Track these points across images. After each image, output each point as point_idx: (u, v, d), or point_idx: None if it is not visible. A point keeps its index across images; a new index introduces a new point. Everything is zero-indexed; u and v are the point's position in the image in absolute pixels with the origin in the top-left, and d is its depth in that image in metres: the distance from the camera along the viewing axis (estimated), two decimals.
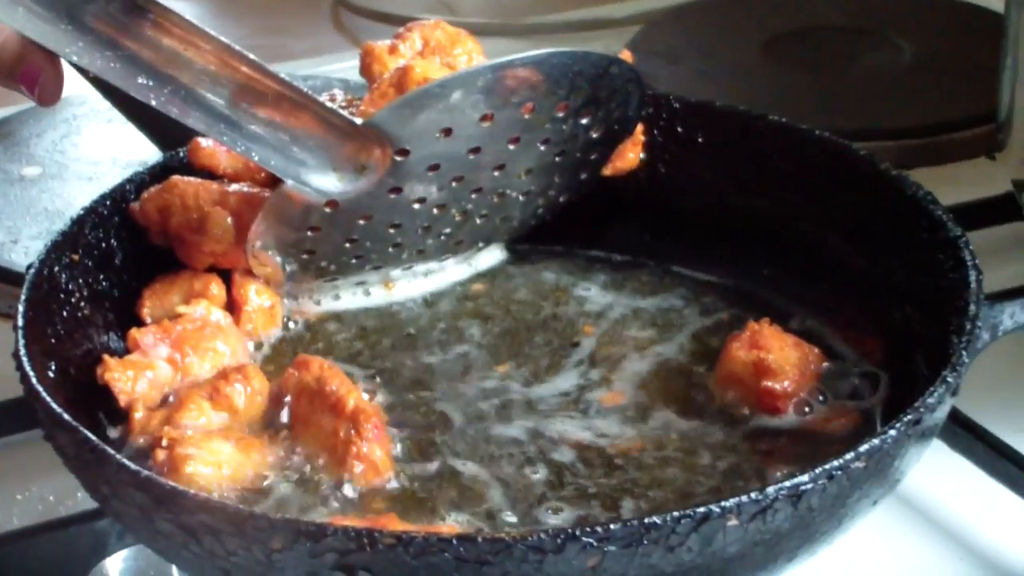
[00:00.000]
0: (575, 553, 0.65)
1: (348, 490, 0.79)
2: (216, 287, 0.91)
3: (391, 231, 0.91)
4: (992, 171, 1.23)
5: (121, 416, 0.83)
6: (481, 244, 0.97)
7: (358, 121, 0.84)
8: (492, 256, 1.00)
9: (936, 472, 0.87)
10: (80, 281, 0.89)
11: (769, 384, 0.84)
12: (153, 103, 0.82)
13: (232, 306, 0.92)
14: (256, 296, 0.92)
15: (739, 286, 0.97)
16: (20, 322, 0.81)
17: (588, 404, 0.87)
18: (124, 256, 0.92)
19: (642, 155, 1.00)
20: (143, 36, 0.81)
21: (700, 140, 1.01)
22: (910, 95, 1.38)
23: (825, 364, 0.87)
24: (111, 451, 0.72)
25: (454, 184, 0.89)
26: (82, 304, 0.88)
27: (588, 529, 0.65)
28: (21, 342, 0.80)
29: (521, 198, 0.94)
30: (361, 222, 0.89)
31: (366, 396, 0.84)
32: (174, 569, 0.83)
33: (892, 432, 0.71)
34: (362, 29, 1.68)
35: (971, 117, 1.29)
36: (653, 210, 1.01)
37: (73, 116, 1.30)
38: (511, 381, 0.89)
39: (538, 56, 0.85)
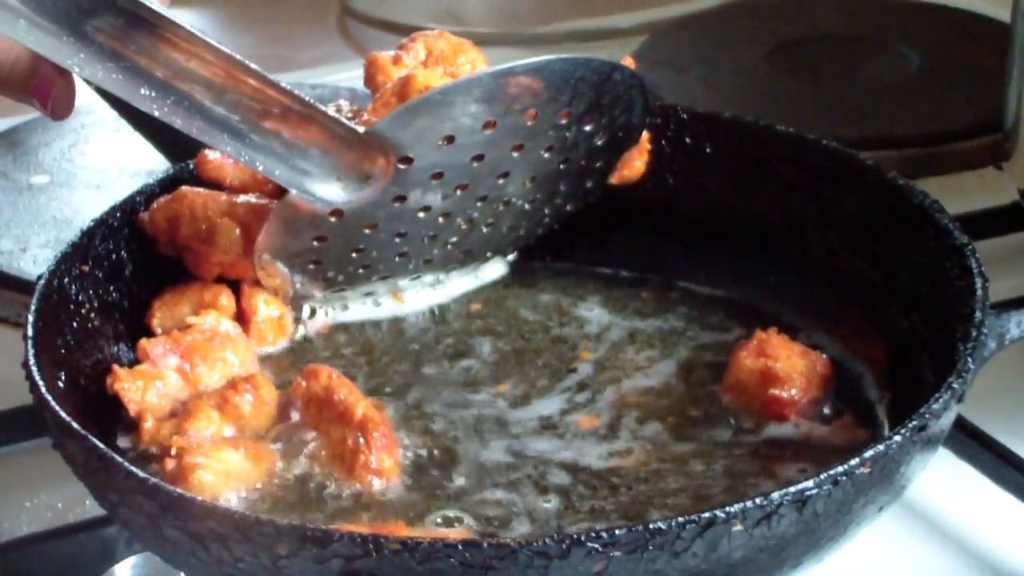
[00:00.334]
0: (580, 558, 0.66)
1: (355, 498, 0.79)
2: (226, 298, 0.92)
3: (397, 240, 0.91)
4: (998, 181, 1.23)
5: (130, 426, 0.84)
6: (489, 254, 0.97)
7: (361, 130, 0.84)
8: (497, 270, 1.00)
9: (943, 481, 0.87)
10: (90, 292, 0.89)
11: (776, 392, 0.85)
12: (157, 114, 0.82)
13: (241, 317, 0.92)
14: (265, 307, 0.93)
15: (744, 299, 0.97)
16: (30, 332, 0.81)
17: (566, 427, 0.87)
18: (134, 267, 0.93)
19: (649, 165, 1.00)
20: (146, 47, 0.81)
21: (708, 150, 1.01)
22: (916, 104, 1.38)
23: (832, 373, 0.87)
24: (119, 459, 0.72)
25: (458, 192, 0.89)
26: (92, 315, 0.89)
27: (593, 534, 0.66)
28: (31, 351, 0.80)
29: (527, 206, 0.94)
30: (367, 231, 0.89)
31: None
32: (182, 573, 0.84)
33: (897, 438, 0.72)
34: (368, 38, 1.68)
35: (977, 126, 1.29)
36: (660, 221, 1.01)
37: (81, 125, 1.31)
38: (502, 400, 0.89)
39: (539, 63, 0.86)
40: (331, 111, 0.85)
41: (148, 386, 0.84)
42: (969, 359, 0.77)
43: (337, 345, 0.94)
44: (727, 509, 0.67)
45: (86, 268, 0.90)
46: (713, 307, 0.97)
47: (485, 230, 0.94)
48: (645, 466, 0.83)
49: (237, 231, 0.91)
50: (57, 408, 0.76)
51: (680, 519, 0.66)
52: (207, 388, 0.86)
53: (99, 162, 1.31)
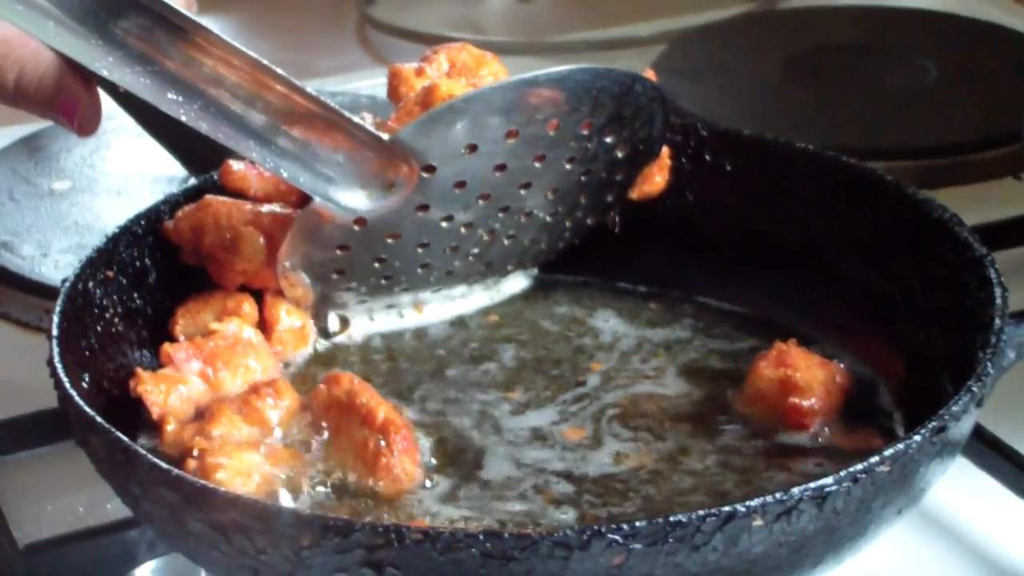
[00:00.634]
0: (601, 550, 0.66)
1: (376, 500, 0.80)
2: (248, 306, 0.92)
3: (419, 251, 0.91)
4: (1017, 191, 1.24)
5: (152, 429, 0.84)
6: (510, 267, 0.98)
7: (385, 137, 0.85)
8: (518, 283, 1.01)
9: (962, 490, 0.87)
10: (114, 298, 0.90)
11: (796, 400, 0.85)
12: (183, 119, 0.83)
13: (264, 326, 0.93)
14: (287, 316, 0.93)
15: (761, 314, 0.97)
16: (55, 331, 0.82)
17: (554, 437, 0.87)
18: (157, 275, 0.94)
19: (669, 182, 1.00)
20: (174, 51, 0.82)
21: (728, 167, 1.02)
22: (933, 114, 1.38)
23: (851, 384, 0.87)
24: (142, 451, 0.73)
25: (481, 202, 0.90)
26: (116, 320, 0.90)
27: (614, 526, 0.66)
28: (56, 350, 0.81)
29: (548, 219, 0.95)
30: (389, 241, 0.90)
31: None
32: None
33: (917, 438, 0.72)
34: (387, 46, 1.69)
35: (995, 137, 1.29)
36: (679, 238, 1.02)
37: (103, 131, 1.30)
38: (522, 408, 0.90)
39: (561, 72, 0.86)
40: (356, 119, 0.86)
41: (171, 390, 0.85)
42: (988, 364, 0.77)
43: (359, 354, 0.94)
44: (747, 503, 0.67)
45: (111, 274, 0.90)
46: (729, 320, 0.97)
47: (506, 242, 0.95)
48: (643, 468, 0.83)
49: (261, 240, 0.91)
50: (81, 403, 0.76)
51: (700, 512, 0.67)
52: (229, 393, 0.87)
53: (121, 168, 1.32)
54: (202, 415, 0.84)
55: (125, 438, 0.73)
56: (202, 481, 0.72)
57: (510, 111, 0.86)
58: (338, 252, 0.90)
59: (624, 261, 1.02)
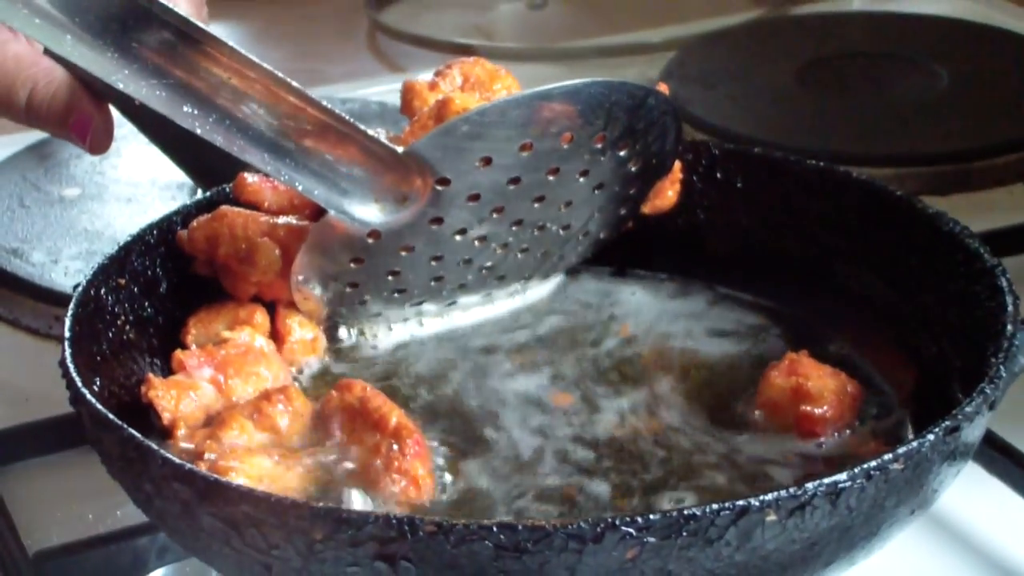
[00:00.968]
0: (614, 543, 0.66)
1: (388, 506, 0.79)
2: (260, 316, 0.93)
3: (432, 264, 0.92)
4: None
5: (162, 436, 0.84)
6: (522, 281, 0.98)
7: (399, 150, 0.85)
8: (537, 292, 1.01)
9: (972, 495, 0.87)
10: (126, 305, 0.90)
11: (808, 408, 0.85)
12: (198, 131, 0.83)
13: (275, 337, 0.93)
14: (299, 328, 0.94)
15: (772, 330, 0.97)
16: (67, 333, 0.82)
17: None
18: (169, 285, 0.94)
19: (680, 199, 1.01)
20: (189, 64, 0.82)
21: (739, 185, 1.02)
22: (945, 121, 1.39)
23: (862, 394, 0.87)
24: (155, 447, 0.73)
25: (494, 215, 0.90)
26: (127, 328, 0.90)
27: (628, 519, 0.66)
28: (68, 352, 0.81)
29: (561, 233, 0.95)
30: (403, 254, 0.90)
31: None
32: None
33: (930, 437, 0.72)
34: (398, 53, 1.71)
35: (1006, 143, 1.30)
36: (690, 256, 1.02)
37: (113, 138, 1.32)
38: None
39: (575, 85, 0.87)
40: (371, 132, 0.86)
41: (182, 396, 0.85)
42: (1001, 367, 0.78)
43: (371, 364, 0.94)
44: (761, 498, 0.67)
45: (122, 281, 0.91)
46: (743, 334, 0.97)
47: (519, 256, 0.95)
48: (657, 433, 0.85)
49: (277, 251, 0.91)
50: (93, 401, 0.77)
51: (714, 506, 0.67)
52: (240, 400, 0.86)
53: (131, 175, 1.33)
54: (212, 422, 0.84)
55: (137, 434, 0.74)
56: (215, 475, 0.72)
57: (524, 124, 0.86)
58: (351, 265, 0.90)
59: (635, 281, 1.02)
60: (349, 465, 0.81)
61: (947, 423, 0.73)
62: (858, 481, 0.69)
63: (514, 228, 0.92)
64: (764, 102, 1.45)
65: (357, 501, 0.78)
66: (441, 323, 0.97)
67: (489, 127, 0.86)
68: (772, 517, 0.68)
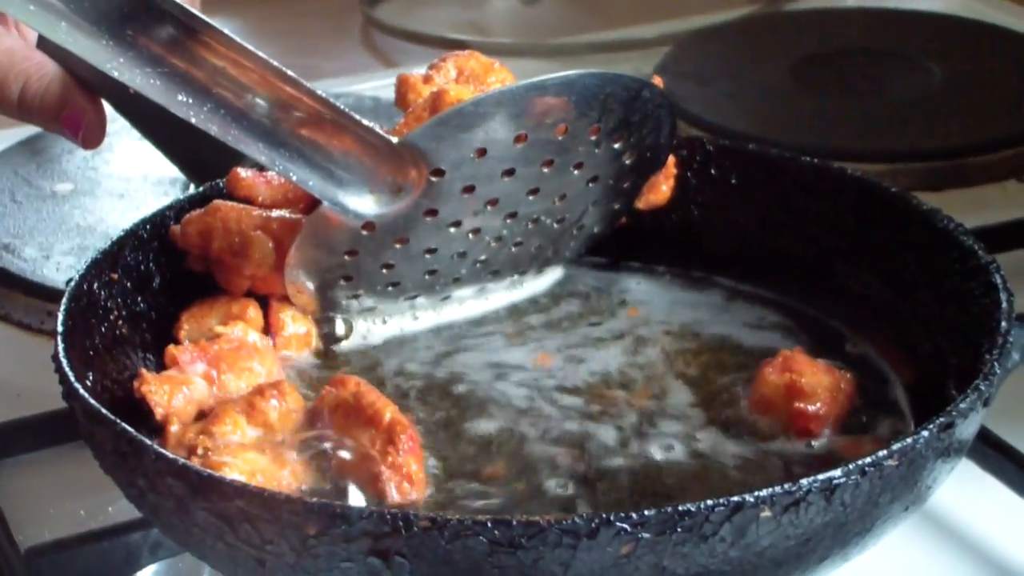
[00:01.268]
0: (609, 539, 0.66)
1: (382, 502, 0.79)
2: (253, 311, 0.92)
3: (427, 257, 0.92)
4: (1020, 193, 1.24)
5: (155, 432, 0.84)
6: (516, 275, 0.98)
7: (394, 140, 0.85)
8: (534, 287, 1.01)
9: (966, 492, 0.87)
10: (118, 300, 0.90)
11: (801, 405, 0.85)
12: (193, 121, 0.83)
13: (269, 331, 0.93)
14: (292, 322, 0.93)
15: (767, 328, 0.97)
16: (60, 328, 0.82)
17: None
18: (162, 280, 0.94)
19: (674, 196, 1.00)
20: (185, 53, 0.82)
21: (733, 181, 1.02)
22: (938, 117, 1.39)
23: (856, 391, 0.87)
24: (148, 441, 0.73)
25: (489, 208, 0.90)
26: (120, 323, 0.90)
27: (622, 514, 0.66)
28: (61, 346, 0.81)
29: (555, 226, 0.95)
30: (397, 246, 0.90)
31: None
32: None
33: (925, 433, 0.72)
34: (392, 49, 1.71)
35: (1000, 139, 1.30)
36: (684, 253, 1.02)
37: (105, 133, 1.32)
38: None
39: (570, 77, 0.87)
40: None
41: (175, 391, 0.84)
42: (996, 364, 0.78)
43: (365, 359, 0.94)
44: (756, 494, 0.67)
45: (115, 276, 0.90)
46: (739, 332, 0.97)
47: (514, 249, 0.95)
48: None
49: (271, 245, 0.91)
50: (86, 396, 0.76)
51: (709, 502, 0.67)
52: (233, 396, 0.86)
53: (123, 170, 1.32)
54: (205, 417, 0.84)
55: (131, 429, 0.73)
56: (208, 470, 0.72)
57: (519, 115, 0.86)
58: (346, 257, 0.90)
59: (629, 278, 1.02)
60: (343, 460, 0.81)
61: (942, 419, 0.73)
62: (852, 477, 0.69)
63: (508, 221, 0.92)
64: (758, 98, 1.45)
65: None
66: (435, 317, 0.97)
67: (484, 118, 0.85)
68: (767, 513, 0.68)
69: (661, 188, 0.99)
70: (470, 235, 0.92)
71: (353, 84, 1.48)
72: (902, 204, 0.95)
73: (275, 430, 0.83)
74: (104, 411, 0.75)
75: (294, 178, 0.85)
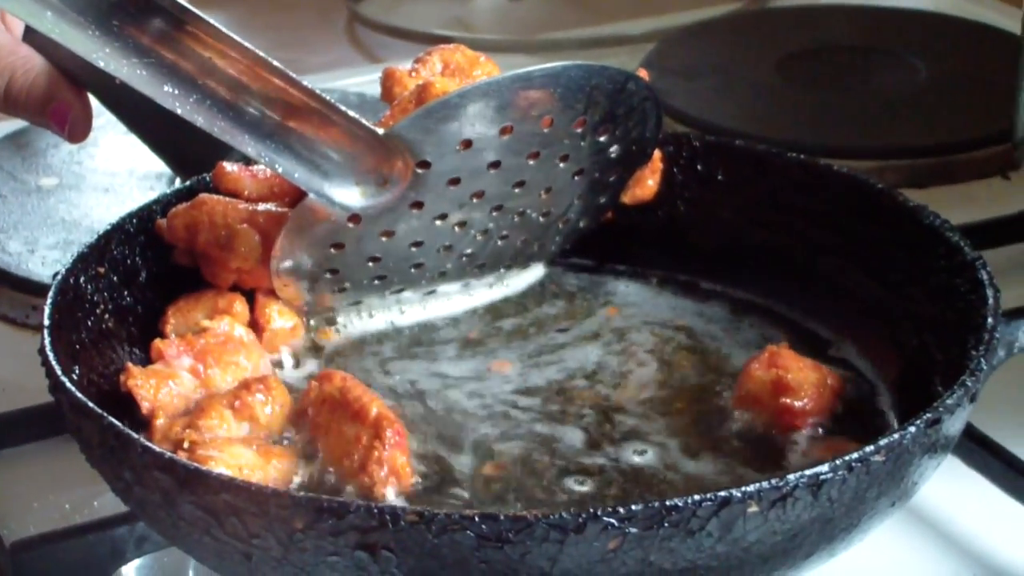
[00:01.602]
0: (596, 533, 0.66)
1: (368, 497, 0.79)
2: (240, 305, 0.92)
3: (413, 249, 0.92)
4: (1006, 190, 1.25)
5: (141, 427, 0.83)
6: (502, 269, 0.98)
7: (380, 131, 0.85)
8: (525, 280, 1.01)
9: (951, 488, 0.87)
10: (105, 294, 0.90)
11: (787, 401, 0.85)
12: (179, 111, 0.83)
13: (255, 326, 0.92)
14: (279, 317, 0.93)
15: (754, 324, 0.97)
16: (46, 321, 0.82)
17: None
18: (148, 274, 0.93)
19: (661, 192, 1.01)
20: (172, 43, 0.82)
21: (720, 178, 1.02)
22: (925, 114, 1.39)
23: (842, 387, 0.87)
24: (135, 435, 0.73)
25: (474, 200, 0.90)
26: (106, 316, 0.89)
27: (610, 509, 0.66)
28: (47, 339, 0.81)
29: (541, 219, 0.95)
30: (383, 239, 0.90)
31: None
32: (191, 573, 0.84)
33: (912, 429, 0.72)
34: (376, 44, 1.70)
35: (985, 137, 1.30)
36: (671, 249, 1.02)
37: (91, 127, 1.32)
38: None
39: (555, 68, 0.87)
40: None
41: (161, 384, 0.84)
42: (982, 360, 0.78)
43: (351, 353, 0.94)
44: (743, 489, 0.67)
45: (102, 270, 0.90)
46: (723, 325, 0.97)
47: (500, 243, 0.95)
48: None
49: (257, 238, 0.91)
50: (73, 389, 0.76)
51: (696, 497, 0.67)
52: (219, 390, 0.86)
53: (108, 165, 1.32)
54: (192, 411, 0.84)
55: (117, 422, 0.73)
56: (195, 464, 0.71)
57: (505, 107, 0.86)
58: (332, 250, 0.90)
59: (616, 275, 1.02)
60: (329, 454, 0.81)
61: (928, 415, 0.73)
62: (840, 473, 0.69)
63: (494, 214, 0.92)
64: (745, 95, 1.45)
65: None
66: (421, 313, 0.97)
67: (469, 109, 0.85)
68: (754, 508, 0.68)
69: (647, 182, 0.99)
70: (456, 228, 0.92)
71: (338, 80, 1.48)
72: (889, 201, 0.95)
73: (261, 424, 0.83)
74: (91, 404, 0.75)
75: (280, 170, 0.85)
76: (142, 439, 0.72)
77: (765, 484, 0.68)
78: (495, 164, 0.88)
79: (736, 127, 1.31)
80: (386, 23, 1.71)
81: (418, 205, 0.89)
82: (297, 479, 0.80)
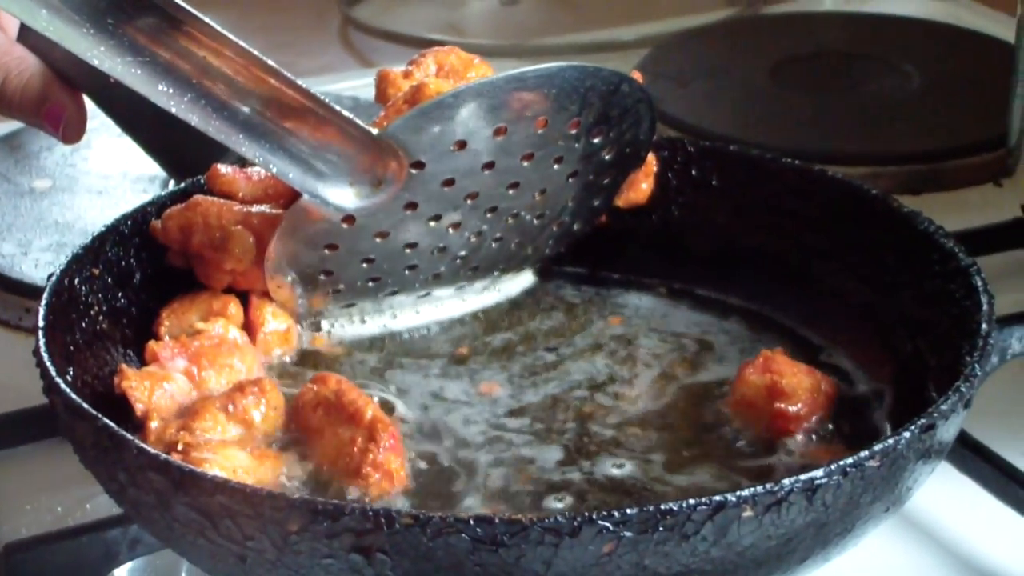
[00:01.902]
0: (591, 537, 0.66)
1: (362, 500, 0.79)
2: (234, 307, 0.92)
3: (407, 251, 0.91)
4: (998, 197, 1.25)
5: (135, 429, 0.83)
6: (496, 272, 0.98)
7: (374, 132, 0.85)
8: (519, 284, 1.01)
9: (945, 494, 0.87)
10: (99, 296, 0.90)
11: (782, 406, 0.85)
12: (174, 110, 0.82)
13: (249, 328, 0.92)
14: (273, 319, 0.93)
15: (748, 331, 0.97)
16: (41, 322, 0.82)
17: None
18: (143, 276, 0.93)
19: (655, 196, 1.01)
20: (167, 41, 0.81)
21: (714, 183, 1.02)
22: (918, 121, 1.39)
23: (836, 393, 0.87)
24: (129, 436, 0.72)
25: (469, 202, 0.90)
26: (100, 318, 0.89)
27: (605, 513, 0.66)
28: (42, 340, 0.80)
29: (535, 222, 0.95)
30: (377, 240, 0.90)
31: None
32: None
33: (906, 434, 0.72)
34: (370, 48, 1.71)
35: (978, 143, 1.30)
36: (665, 254, 1.02)
37: (86, 128, 1.32)
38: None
39: (550, 69, 0.87)
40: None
41: (155, 386, 0.84)
42: (976, 366, 0.78)
43: (345, 356, 0.94)
44: (738, 493, 0.67)
45: (96, 271, 0.90)
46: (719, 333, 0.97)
47: (494, 245, 0.95)
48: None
49: (251, 239, 0.91)
50: (67, 390, 0.76)
51: (691, 501, 0.67)
52: (213, 392, 0.86)
53: (102, 167, 1.32)
54: (186, 413, 0.84)
55: (112, 423, 0.73)
56: (189, 465, 0.71)
57: (499, 107, 0.86)
58: (326, 251, 0.90)
59: (610, 279, 1.02)
60: (324, 457, 0.81)
61: (923, 421, 0.73)
62: (834, 478, 0.69)
63: (488, 215, 0.92)
64: (738, 100, 1.45)
65: None
66: (414, 318, 0.97)
67: (464, 110, 0.85)
68: (748, 513, 0.68)
69: (641, 186, 0.99)
70: (450, 229, 0.92)
71: (331, 83, 1.48)
72: (883, 206, 0.95)
73: (256, 427, 0.83)
74: (85, 406, 0.75)
75: (274, 170, 0.85)
76: (137, 441, 0.72)
77: (760, 489, 0.68)
78: (489, 165, 0.88)
79: (730, 133, 1.31)
80: (380, 27, 1.72)
81: (412, 206, 0.88)
82: (291, 482, 0.80)
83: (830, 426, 0.85)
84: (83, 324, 0.87)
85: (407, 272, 0.93)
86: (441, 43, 0.98)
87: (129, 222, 0.94)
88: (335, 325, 0.95)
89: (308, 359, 0.93)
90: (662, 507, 0.66)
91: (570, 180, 0.93)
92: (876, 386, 0.90)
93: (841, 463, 0.70)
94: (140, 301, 0.93)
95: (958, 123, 1.37)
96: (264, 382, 0.85)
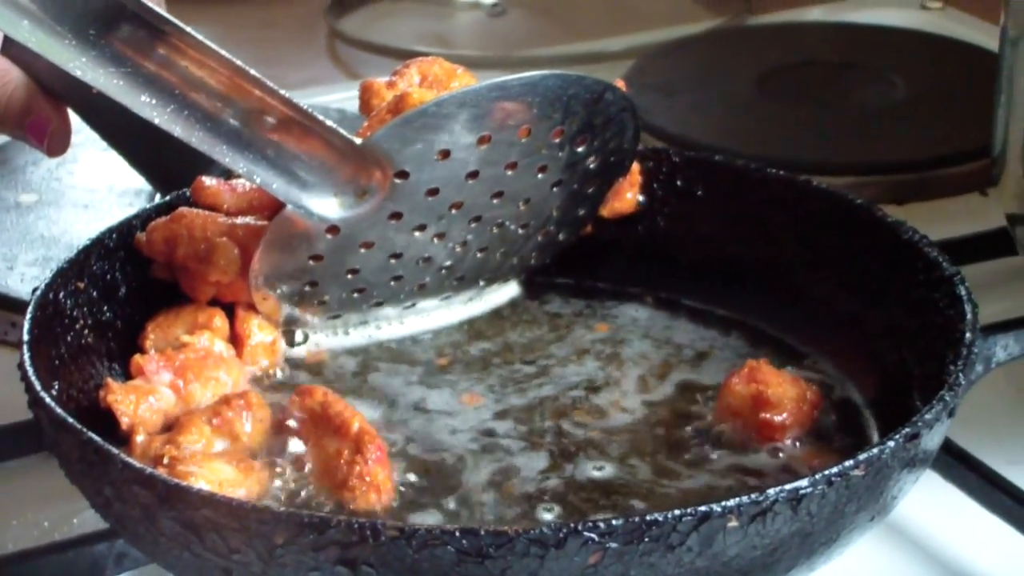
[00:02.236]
0: (576, 548, 0.66)
1: (349, 513, 0.79)
2: (220, 320, 0.92)
3: (392, 262, 0.91)
4: (984, 207, 1.25)
5: (120, 442, 0.83)
6: (482, 283, 0.98)
7: (358, 141, 0.85)
8: (506, 294, 1.01)
9: (929, 502, 0.87)
10: (84, 309, 0.90)
11: (767, 416, 0.85)
12: (157, 121, 0.82)
13: (235, 340, 0.92)
14: (258, 331, 0.93)
15: (735, 339, 0.97)
16: (26, 336, 0.82)
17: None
18: (128, 289, 0.93)
19: (640, 207, 1.01)
20: (150, 52, 0.81)
21: (699, 193, 1.02)
22: (903, 130, 1.40)
23: (821, 402, 0.88)
24: (115, 450, 0.72)
25: (453, 211, 0.90)
26: (85, 331, 0.89)
27: (590, 524, 0.66)
28: (26, 355, 0.80)
29: (519, 231, 0.95)
30: (362, 250, 0.90)
31: None
32: None
33: (890, 443, 0.72)
34: (357, 61, 1.71)
35: (964, 153, 1.31)
36: (650, 264, 1.02)
37: (70, 140, 1.32)
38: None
39: (533, 78, 0.87)
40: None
41: (141, 400, 0.84)
42: (960, 375, 0.78)
43: (331, 368, 0.94)
44: (723, 504, 0.67)
45: (81, 285, 0.90)
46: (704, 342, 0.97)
47: (479, 255, 0.95)
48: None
49: (236, 251, 0.91)
50: (52, 404, 0.76)
51: (676, 512, 0.67)
52: (199, 405, 0.86)
53: (87, 181, 1.32)
54: (172, 427, 0.84)
55: (97, 437, 0.73)
56: (175, 479, 0.71)
57: (482, 116, 0.86)
58: (310, 262, 0.90)
59: (595, 290, 1.03)
60: (310, 470, 0.81)
61: (907, 430, 0.73)
62: (819, 487, 0.70)
63: (473, 225, 0.92)
64: (724, 111, 1.45)
65: None
66: (400, 329, 0.97)
67: (447, 118, 0.85)
68: (734, 523, 0.68)
69: (626, 195, 0.99)
70: (435, 239, 0.92)
71: (318, 96, 1.47)
72: (868, 216, 0.95)
73: (242, 440, 0.83)
74: (70, 419, 0.75)
75: (258, 180, 0.85)
76: (122, 455, 0.72)
77: (745, 499, 0.68)
78: (473, 174, 0.89)
79: (716, 143, 1.31)
80: (366, 40, 1.72)
81: (397, 216, 0.89)
82: (277, 494, 0.80)
83: (815, 435, 0.86)
84: (68, 338, 0.87)
85: (392, 283, 0.93)
86: (428, 55, 0.98)
87: (114, 235, 0.93)
88: (321, 336, 0.95)
89: (294, 370, 0.93)
90: (647, 518, 0.67)
91: (555, 189, 0.93)
92: (861, 395, 0.90)
93: (826, 472, 0.70)
94: (125, 314, 0.92)
95: (944, 133, 1.37)
96: (250, 395, 0.85)
